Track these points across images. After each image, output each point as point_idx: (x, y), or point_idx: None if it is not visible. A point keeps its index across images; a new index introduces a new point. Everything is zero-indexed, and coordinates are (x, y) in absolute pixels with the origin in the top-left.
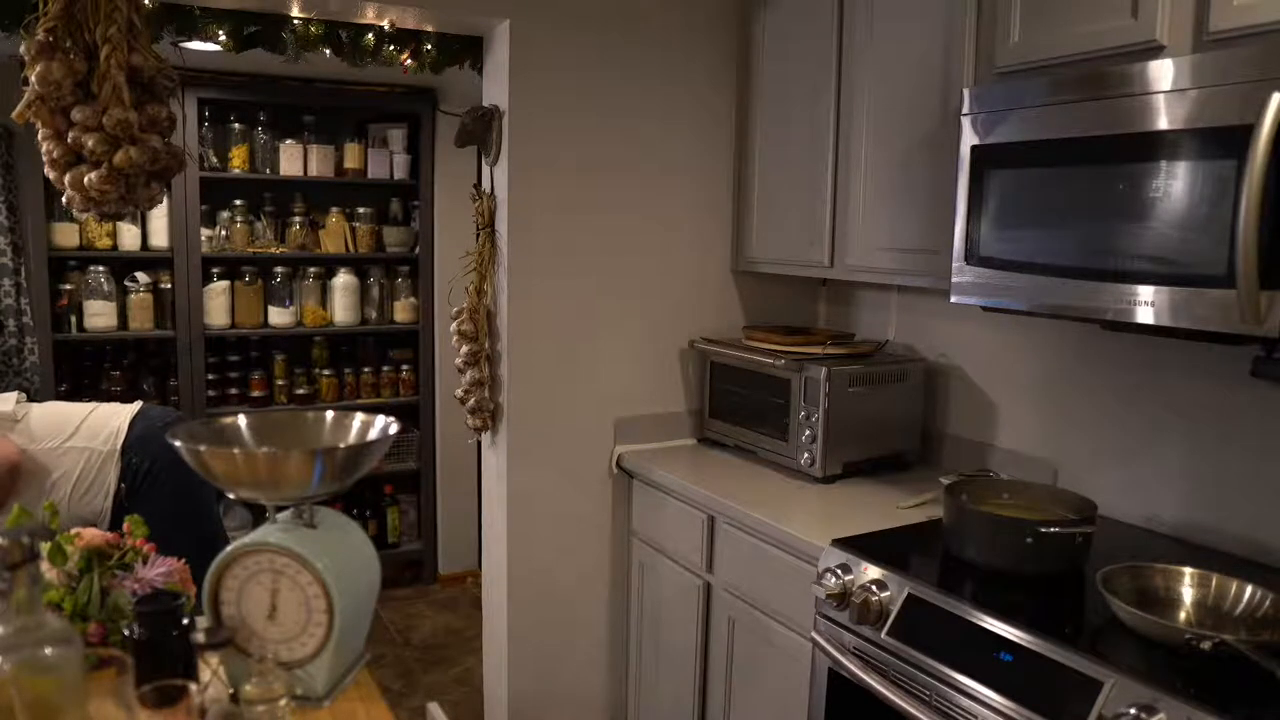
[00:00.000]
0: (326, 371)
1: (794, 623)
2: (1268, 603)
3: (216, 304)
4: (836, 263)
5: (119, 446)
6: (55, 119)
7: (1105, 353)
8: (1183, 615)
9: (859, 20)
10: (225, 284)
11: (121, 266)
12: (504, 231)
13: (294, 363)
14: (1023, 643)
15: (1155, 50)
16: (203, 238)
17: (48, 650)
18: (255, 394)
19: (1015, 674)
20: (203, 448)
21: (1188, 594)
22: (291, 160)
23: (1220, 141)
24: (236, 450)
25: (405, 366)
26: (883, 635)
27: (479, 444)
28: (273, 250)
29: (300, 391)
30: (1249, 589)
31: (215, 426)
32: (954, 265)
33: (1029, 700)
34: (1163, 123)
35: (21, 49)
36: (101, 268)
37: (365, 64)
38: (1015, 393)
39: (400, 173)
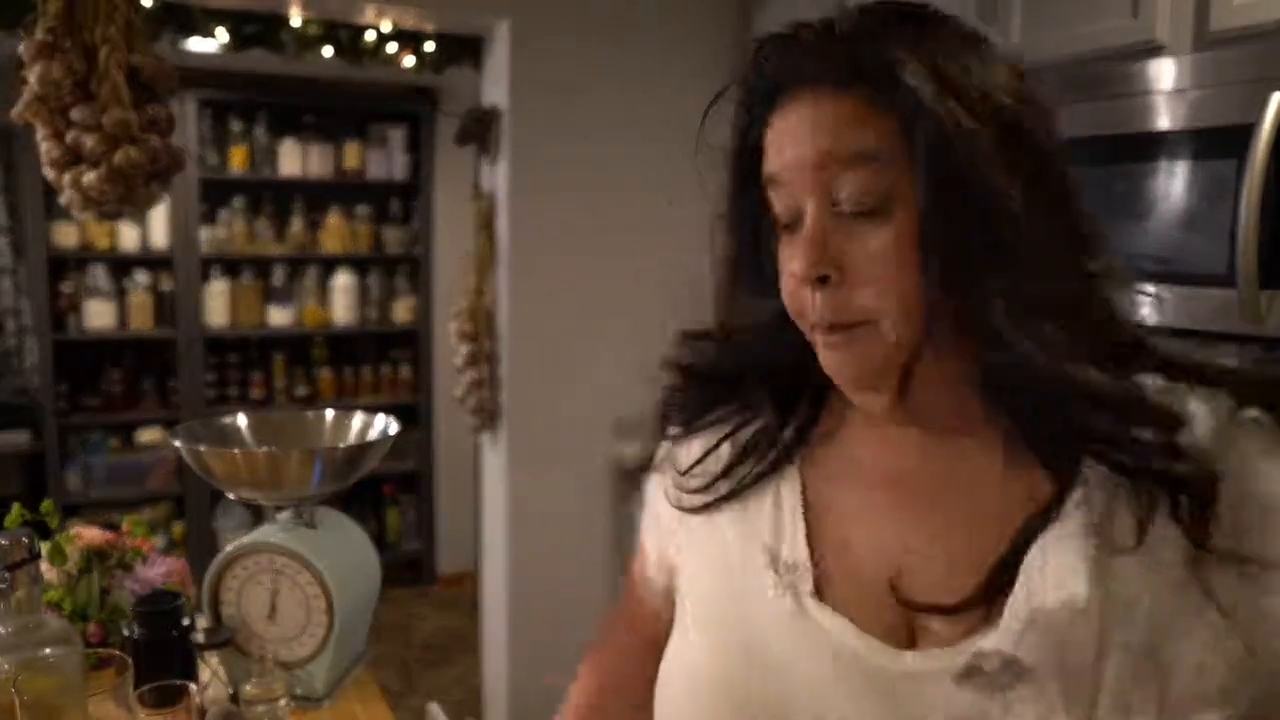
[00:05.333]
0: (326, 371)
1: None
2: None
3: (216, 304)
4: None
5: None
6: (55, 119)
7: None
8: None
9: None
10: (225, 284)
11: (121, 266)
12: (504, 231)
13: (294, 363)
14: None
15: (1155, 50)
16: (203, 238)
17: (48, 650)
18: (255, 394)
19: None
20: (203, 448)
21: None
22: (291, 160)
23: (1220, 141)
24: (236, 450)
25: (405, 366)
26: None
27: (479, 444)
28: (273, 250)
29: (300, 391)
30: None
31: (215, 426)
32: None
33: None
34: (1163, 123)
35: (21, 49)
36: (101, 267)
37: (365, 64)
38: None
39: (400, 173)
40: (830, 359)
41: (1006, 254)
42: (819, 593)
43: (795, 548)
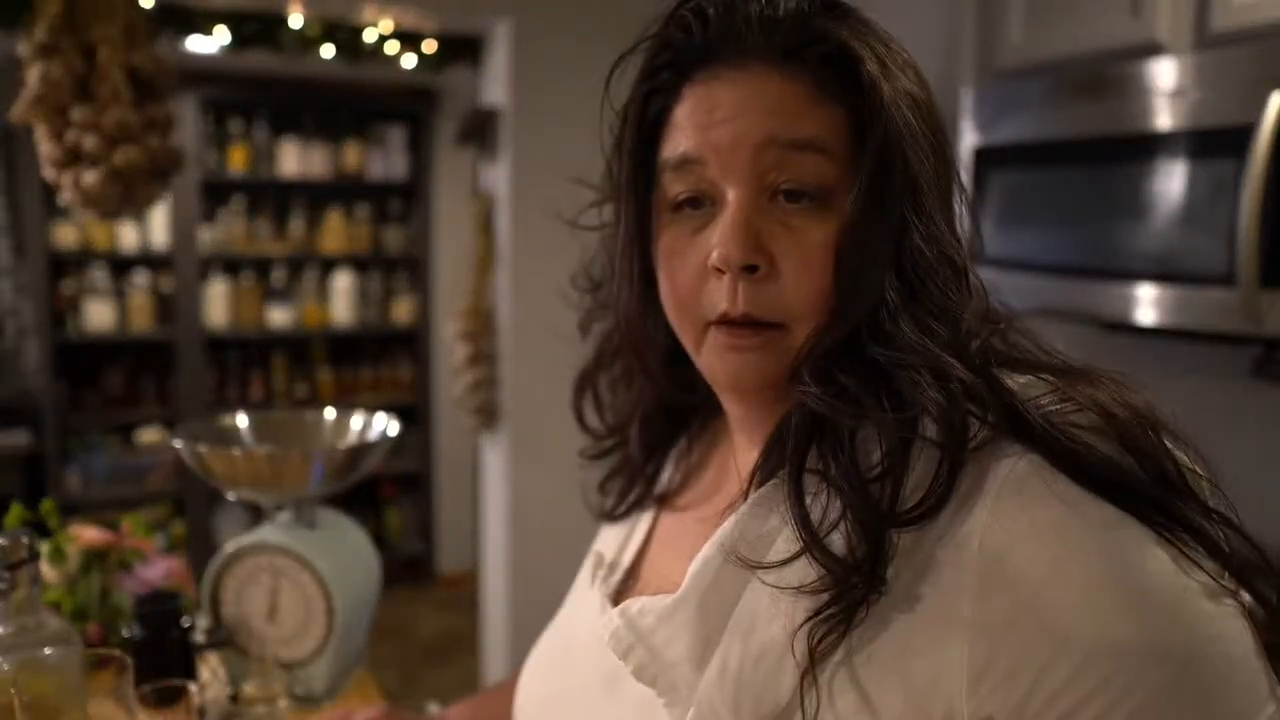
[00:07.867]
0: (326, 372)
1: None
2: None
3: (216, 304)
4: None
5: None
6: (55, 119)
7: (1105, 353)
8: None
9: None
10: (225, 284)
11: (121, 266)
12: (504, 231)
13: (294, 363)
14: None
15: (1155, 50)
16: (203, 238)
17: (48, 650)
18: (255, 394)
19: None
20: (203, 448)
21: None
22: (291, 160)
23: (1220, 141)
24: (236, 450)
25: (405, 366)
26: None
27: (479, 444)
28: (273, 250)
29: (300, 392)
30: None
31: (215, 426)
32: None
33: None
34: (1163, 122)
35: (21, 49)
36: (101, 267)
37: (365, 64)
38: None
39: (400, 173)
40: (731, 361)
41: (919, 262)
42: (620, 596)
43: (621, 559)
